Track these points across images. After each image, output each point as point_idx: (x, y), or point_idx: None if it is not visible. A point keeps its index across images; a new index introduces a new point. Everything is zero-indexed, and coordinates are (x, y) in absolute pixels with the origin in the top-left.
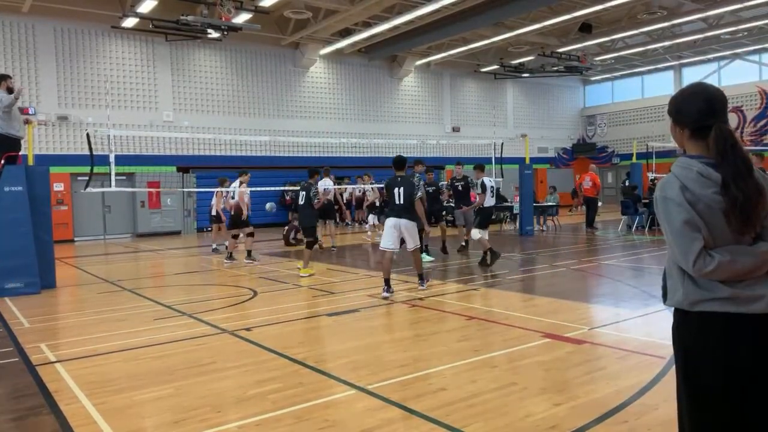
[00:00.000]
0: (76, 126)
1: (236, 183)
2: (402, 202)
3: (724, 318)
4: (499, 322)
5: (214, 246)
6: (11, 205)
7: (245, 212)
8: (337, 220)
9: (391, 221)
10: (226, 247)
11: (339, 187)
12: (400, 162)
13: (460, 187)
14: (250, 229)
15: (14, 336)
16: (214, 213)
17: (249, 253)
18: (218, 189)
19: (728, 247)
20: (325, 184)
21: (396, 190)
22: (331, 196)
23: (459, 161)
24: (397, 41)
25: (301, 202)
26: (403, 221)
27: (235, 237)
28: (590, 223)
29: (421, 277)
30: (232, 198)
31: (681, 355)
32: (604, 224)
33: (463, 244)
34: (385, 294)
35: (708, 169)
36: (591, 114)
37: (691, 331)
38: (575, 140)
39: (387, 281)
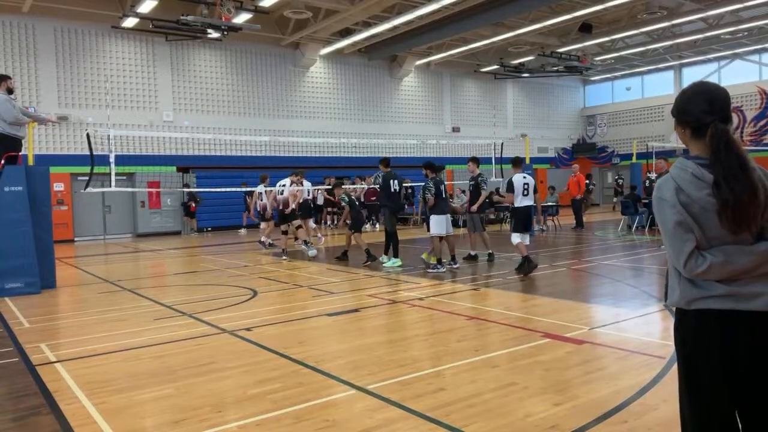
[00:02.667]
0: (76, 126)
1: (286, 181)
2: (446, 196)
3: (721, 315)
4: (499, 322)
5: (262, 239)
6: (11, 205)
7: (291, 207)
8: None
9: (447, 215)
10: (268, 244)
11: (317, 188)
12: (436, 166)
13: (470, 187)
14: (298, 222)
15: (14, 336)
16: (260, 210)
17: (305, 242)
18: (267, 188)
19: (723, 248)
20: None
21: (442, 187)
22: (310, 197)
23: (474, 157)
24: (397, 41)
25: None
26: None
27: (285, 233)
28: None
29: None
30: (280, 194)
31: (681, 353)
32: (604, 224)
33: (471, 254)
34: (453, 265)
35: (702, 171)
36: (591, 114)
37: (689, 330)
38: (575, 140)
39: (440, 259)
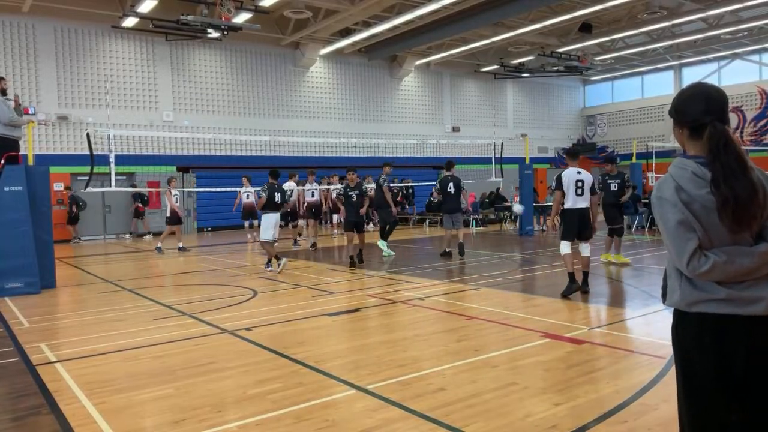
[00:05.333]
0: (76, 126)
1: (291, 184)
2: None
3: (721, 319)
4: (499, 322)
5: (180, 245)
6: (11, 205)
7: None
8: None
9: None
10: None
11: (322, 188)
12: (276, 172)
13: (449, 188)
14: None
15: (14, 336)
16: (169, 214)
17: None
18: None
19: (725, 248)
20: (290, 186)
21: (276, 194)
22: (303, 197)
23: (450, 161)
24: (397, 41)
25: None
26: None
27: (295, 227)
28: None
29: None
30: (247, 197)
31: (679, 355)
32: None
33: (447, 250)
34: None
35: (702, 169)
36: (591, 114)
37: (688, 332)
38: (575, 140)
39: (271, 259)
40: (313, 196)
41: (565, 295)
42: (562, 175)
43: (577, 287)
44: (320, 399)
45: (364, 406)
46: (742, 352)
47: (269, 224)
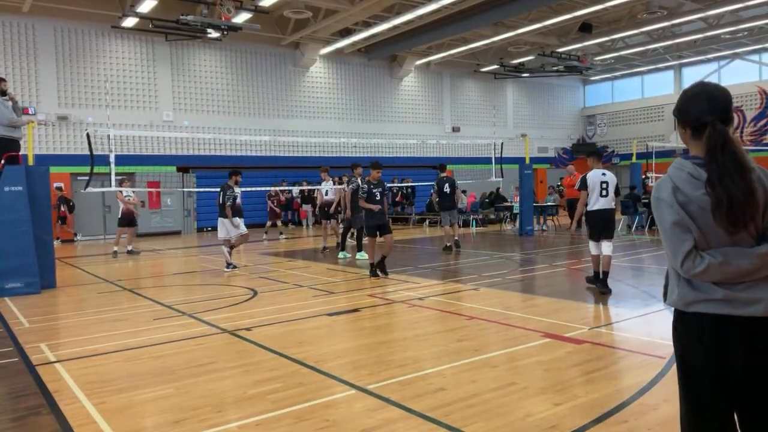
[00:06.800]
0: (76, 126)
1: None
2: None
3: (719, 319)
4: (499, 322)
5: (129, 248)
6: (11, 205)
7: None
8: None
9: (224, 221)
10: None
11: (339, 187)
12: (235, 171)
13: (446, 188)
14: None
15: (14, 336)
16: (120, 215)
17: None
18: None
19: (722, 249)
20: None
21: (219, 194)
22: (334, 196)
23: (442, 163)
24: (397, 41)
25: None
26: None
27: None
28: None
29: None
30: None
31: (679, 354)
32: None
33: (448, 245)
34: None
35: (698, 170)
36: (591, 114)
37: (687, 331)
38: (575, 140)
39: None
40: (326, 194)
41: (589, 280)
42: (588, 176)
43: (606, 291)
44: (320, 399)
45: (364, 406)
46: (742, 352)
47: (223, 224)
